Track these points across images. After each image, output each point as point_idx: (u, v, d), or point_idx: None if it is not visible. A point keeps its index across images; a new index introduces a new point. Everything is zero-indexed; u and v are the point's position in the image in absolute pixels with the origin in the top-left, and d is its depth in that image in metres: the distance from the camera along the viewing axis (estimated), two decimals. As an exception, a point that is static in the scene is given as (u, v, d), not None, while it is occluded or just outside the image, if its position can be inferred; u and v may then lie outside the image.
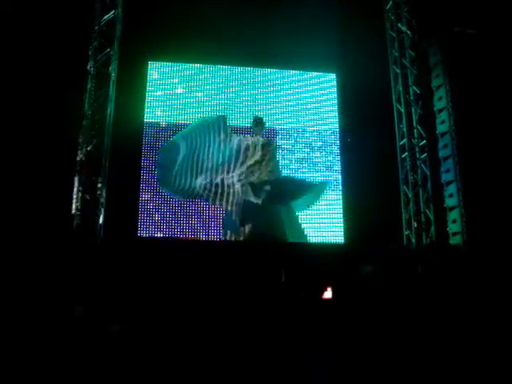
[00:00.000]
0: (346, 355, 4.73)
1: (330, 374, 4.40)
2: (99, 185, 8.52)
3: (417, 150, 9.99)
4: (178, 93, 10.54)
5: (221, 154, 8.94)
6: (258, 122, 9.45)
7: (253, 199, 8.78)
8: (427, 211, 9.67)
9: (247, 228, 8.76)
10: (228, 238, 9.01)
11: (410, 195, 9.94)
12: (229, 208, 8.88)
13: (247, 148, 9.07)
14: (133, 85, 10.01)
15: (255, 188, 8.88)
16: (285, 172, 10.17)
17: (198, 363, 4.44)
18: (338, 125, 10.96)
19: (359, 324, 5.47)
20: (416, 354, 4.67)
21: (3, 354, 4.26)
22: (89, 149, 8.58)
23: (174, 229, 9.81)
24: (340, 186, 10.60)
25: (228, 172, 8.92)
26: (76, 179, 8.32)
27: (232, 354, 4.59)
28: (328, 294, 6.84)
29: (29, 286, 5.62)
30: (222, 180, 8.89)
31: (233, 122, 10.49)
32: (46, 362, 4.24)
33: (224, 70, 10.85)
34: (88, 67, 8.80)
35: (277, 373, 4.35)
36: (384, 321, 5.59)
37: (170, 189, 8.93)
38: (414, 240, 9.68)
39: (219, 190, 8.84)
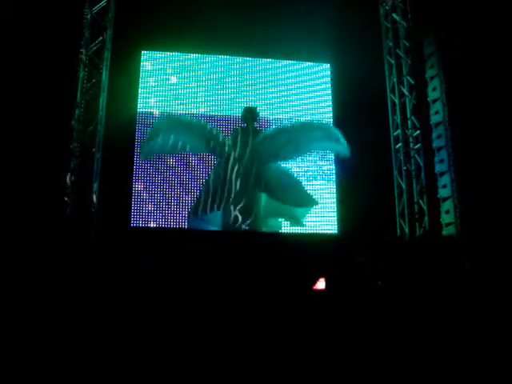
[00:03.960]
0: (341, 347, 4.74)
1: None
2: (92, 174, 8.48)
3: (411, 140, 9.99)
4: (171, 82, 10.47)
5: None
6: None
7: None
8: (421, 202, 9.69)
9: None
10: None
11: (403, 186, 9.94)
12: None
13: None
14: (126, 74, 9.92)
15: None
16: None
17: (195, 356, 4.43)
18: (331, 115, 10.93)
19: (353, 315, 5.48)
20: (413, 345, 4.69)
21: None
22: (81, 138, 8.54)
23: (168, 219, 9.78)
24: (334, 177, 10.59)
25: None
26: (69, 169, 8.28)
27: (228, 347, 4.60)
28: (321, 284, 6.84)
29: (19, 277, 5.60)
30: None
31: (225, 111, 10.47)
32: (40, 360, 4.22)
33: (218, 60, 10.80)
34: (80, 56, 8.73)
35: (273, 366, 4.36)
36: (379, 312, 5.60)
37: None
38: (407, 230, 9.70)
39: None
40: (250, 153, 8.98)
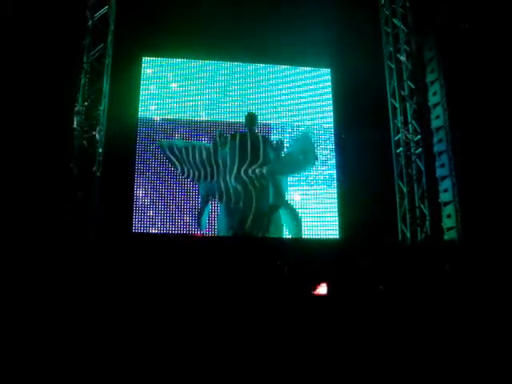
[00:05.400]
0: (343, 351, 4.73)
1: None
2: (93, 180, 8.50)
3: (412, 144, 9.99)
4: (172, 88, 10.50)
5: None
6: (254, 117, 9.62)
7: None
8: (422, 206, 9.68)
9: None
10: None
11: (404, 190, 9.94)
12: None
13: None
14: (127, 80, 9.96)
15: None
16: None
17: (195, 360, 4.42)
18: (332, 120, 10.94)
19: (355, 320, 5.47)
20: (415, 350, 4.67)
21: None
22: (83, 144, 8.56)
23: (169, 225, 9.79)
24: (335, 182, 10.58)
25: None
26: (70, 175, 8.30)
27: (229, 352, 4.58)
28: (323, 289, 6.83)
29: (19, 282, 5.60)
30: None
31: (226, 117, 10.50)
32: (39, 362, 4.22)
33: (219, 66, 10.82)
34: (81, 63, 8.76)
35: (275, 371, 4.35)
36: (380, 317, 5.59)
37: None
38: (408, 235, 9.69)
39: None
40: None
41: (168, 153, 9.21)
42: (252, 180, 9.10)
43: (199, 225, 9.42)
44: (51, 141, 8.40)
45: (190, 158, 9.13)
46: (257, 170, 9.07)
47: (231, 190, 9.13)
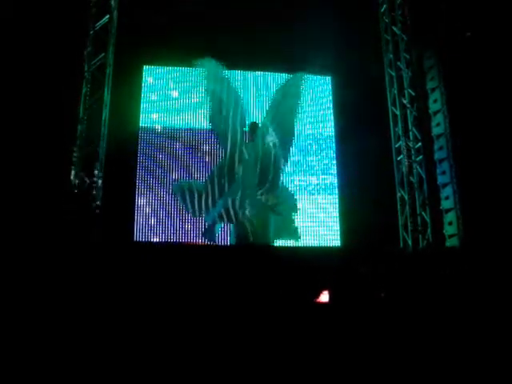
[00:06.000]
0: (345, 359, 4.71)
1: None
2: (94, 190, 8.50)
3: (412, 152, 10.00)
4: (173, 97, 10.51)
5: None
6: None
7: None
8: (423, 213, 9.68)
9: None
10: None
11: (405, 197, 9.94)
12: None
13: None
14: (128, 89, 9.97)
15: None
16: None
17: (194, 367, 4.40)
18: (332, 128, 10.94)
19: (357, 328, 5.45)
20: (417, 357, 4.66)
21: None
22: (84, 154, 8.57)
23: (171, 233, 9.78)
24: (336, 190, 10.58)
25: None
26: (71, 184, 8.30)
27: (230, 361, 4.57)
28: (324, 297, 6.80)
29: (19, 290, 5.59)
30: None
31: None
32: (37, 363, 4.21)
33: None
34: (83, 72, 8.78)
35: (276, 378, 4.33)
36: (382, 325, 5.57)
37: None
38: (410, 242, 9.67)
39: None
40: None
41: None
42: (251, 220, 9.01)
43: (209, 237, 9.29)
44: (52, 150, 8.40)
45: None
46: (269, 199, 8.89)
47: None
